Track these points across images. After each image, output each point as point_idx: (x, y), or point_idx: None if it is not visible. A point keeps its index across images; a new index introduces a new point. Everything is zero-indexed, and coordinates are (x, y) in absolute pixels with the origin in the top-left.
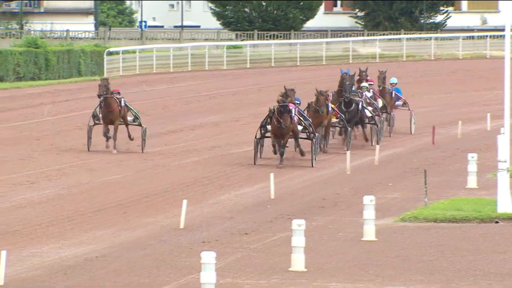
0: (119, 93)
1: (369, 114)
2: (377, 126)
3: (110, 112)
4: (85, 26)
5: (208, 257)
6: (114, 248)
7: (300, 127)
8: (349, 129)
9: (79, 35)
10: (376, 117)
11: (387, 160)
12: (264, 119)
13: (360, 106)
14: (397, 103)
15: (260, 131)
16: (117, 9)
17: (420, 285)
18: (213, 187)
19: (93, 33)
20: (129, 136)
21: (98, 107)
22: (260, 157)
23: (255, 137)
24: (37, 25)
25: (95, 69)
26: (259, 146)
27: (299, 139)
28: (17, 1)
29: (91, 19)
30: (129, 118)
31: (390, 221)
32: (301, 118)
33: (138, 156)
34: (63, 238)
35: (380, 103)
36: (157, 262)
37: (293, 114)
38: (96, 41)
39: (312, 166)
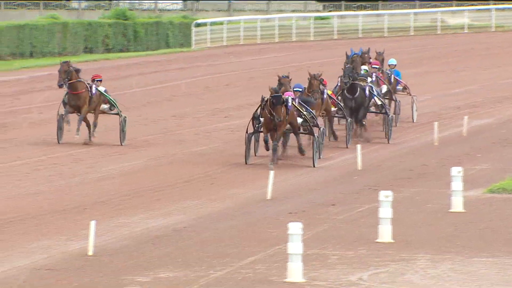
0: (100, 80)
1: (378, 102)
2: (388, 116)
3: (76, 96)
4: None
5: (295, 228)
6: (202, 218)
7: (299, 120)
8: (349, 119)
9: (167, 7)
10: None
11: (476, 131)
12: (256, 110)
13: (367, 92)
14: (397, 87)
15: (253, 124)
16: None
17: (508, 256)
18: (300, 158)
19: (181, 5)
20: (93, 128)
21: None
22: (255, 155)
23: (246, 132)
24: None
25: (183, 40)
26: (252, 142)
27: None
28: None
29: None
30: (105, 106)
31: (478, 193)
32: (301, 109)
33: (226, 128)
34: (150, 209)
35: (384, 88)
36: (244, 233)
37: (289, 105)
38: (184, 13)
39: (314, 166)
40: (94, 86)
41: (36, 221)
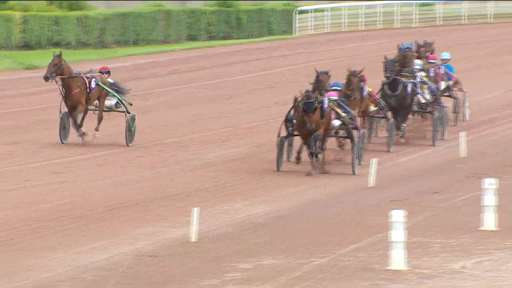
0: (108, 72)
1: (422, 100)
2: (433, 115)
3: (70, 98)
4: None
5: (398, 216)
6: (304, 206)
7: (337, 123)
8: (391, 120)
9: None
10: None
11: None
12: (288, 111)
13: (409, 89)
14: (449, 83)
15: (286, 127)
16: None
17: None
18: (400, 148)
19: None
20: (98, 122)
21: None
22: (288, 160)
23: (278, 135)
24: None
25: (285, 27)
26: (285, 146)
27: (340, 138)
28: None
29: None
30: (109, 102)
31: None
32: (339, 110)
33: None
34: (253, 196)
35: (442, 85)
36: (347, 220)
37: (325, 106)
38: (286, 0)
39: (354, 173)
40: (94, 80)
41: (139, 208)
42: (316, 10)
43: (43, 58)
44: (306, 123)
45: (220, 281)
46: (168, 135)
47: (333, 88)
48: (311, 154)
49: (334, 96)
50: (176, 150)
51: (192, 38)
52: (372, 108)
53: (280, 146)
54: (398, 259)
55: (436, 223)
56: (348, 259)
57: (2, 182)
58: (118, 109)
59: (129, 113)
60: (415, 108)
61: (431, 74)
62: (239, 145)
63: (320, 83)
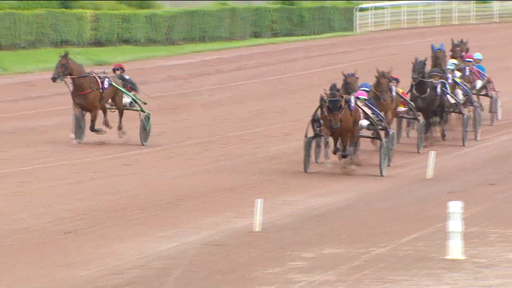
0: (122, 68)
1: (452, 101)
2: (463, 115)
3: (82, 96)
4: None
5: (455, 207)
6: (363, 197)
7: (365, 122)
8: (421, 120)
9: None
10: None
11: None
12: (315, 111)
13: (438, 90)
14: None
15: (313, 127)
16: None
17: None
18: (458, 142)
19: None
20: (106, 122)
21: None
22: (316, 161)
23: (305, 136)
24: None
25: (346, 25)
26: (313, 147)
27: (366, 138)
28: None
29: None
30: (124, 100)
31: None
32: (366, 111)
33: None
34: (314, 188)
35: (479, 84)
36: (405, 211)
37: (352, 105)
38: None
39: (382, 175)
40: (107, 80)
41: (205, 199)
42: (376, 8)
43: (113, 55)
44: (331, 121)
45: (283, 270)
46: (233, 129)
47: (362, 89)
48: (343, 156)
49: (363, 95)
50: (240, 143)
51: (256, 35)
52: (402, 108)
53: (307, 147)
54: (455, 249)
55: (493, 214)
56: (406, 248)
57: (75, 174)
58: (133, 108)
59: (143, 112)
60: (447, 109)
61: (467, 73)
62: (300, 139)
63: (348, 86)
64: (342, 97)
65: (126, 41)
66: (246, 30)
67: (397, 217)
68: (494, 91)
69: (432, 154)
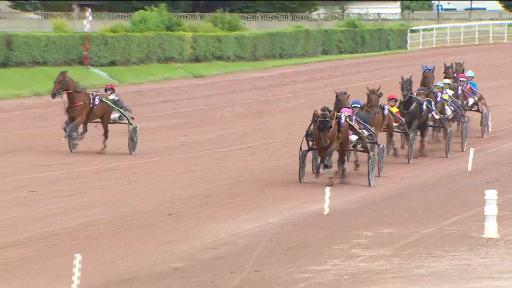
0: (113, 89)
1: (436, 117)
2: (446, 130)
3: (73, 108)
4: (392, 10)
5: (491, 194)
6: (414, 187)
7: (354, 137)
8: (411, 135)
9: (388, 17)
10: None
11: None
12: (309, 126)
13: (424, 107)
14: (474, 98)
15: (307, 141)
16: None
17: None
18: (498, 138)
19: (399, 15)
20: (104, 138)
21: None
22: (313, 172)
23: (300, 149)
24: (354, 10)
25: (400, 44)
26: (306, 159)
27: (356, 152)
28: None
29: (397, 4)
30: (113, 115)
31: None
32: (356, 126)
33: None
34: (375, 178)
35: (471, 101)
36: (448, 198)
37: (342, 122)
38: (401, 22)
39: (370, 185)
40: (98, 97)
41: (284, 188)
42: (425, 30)
43: (208, 69)
44: (321, 139)
45: (348, 246)
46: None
47: (353, 105)
48: (324, 166)
49: (347, 112)
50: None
51: (325, 52)
52: (394, 124)
53: (302, 159)
54: (491, 229)
55: None
56: (450, 229)
57: (176, 167)
58: (121, 121)
59: (131, 124)
60: (430, 123)
61: (459, 92)
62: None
63: (340, 103)
64: (332, 117)
65: (218, 58)
66: (317, 48)
67: (442, 203)
68: (485, 106)
69: (471, 150)
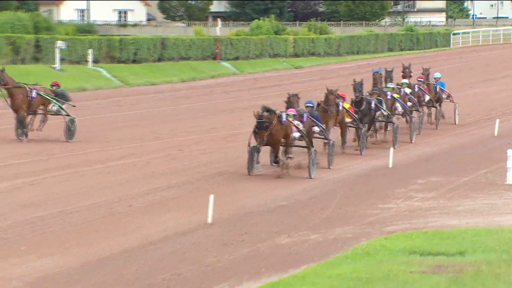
0: (58, 85)
1: (385, 113)
2: (393, 124)
3: (12, 102)
4: (439, 18)
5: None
6: (455, 148)
7: (297, 134)
8: (363, 129)
9: (436, 24)
10: (415, 112)
11: None
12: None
13: (373, 105)
14: (442, 96)
15: (255, 137)
16: (459, 8)
17: None
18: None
19: (444, 22)
20: (42, 123)
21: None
22: (271, 164)
23: (248, 145)
24: (412, 19)
25: (445, 43)
26: (254, 154)
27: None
28: (402, 2)
29: (443, 14)
30: (55, 108)
31: None
32: (296, 125)
33: (469, 97)
34: (426, 141)
35: (427, 98)
36: (477, 157)
37: (283, 120)
38: (446, 27)
39: (310, 177)
40: (35, 91)
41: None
42: (463, 33)
43: (305, 62)
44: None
45: (406, 190)
46: None
47: (306, 105)
48: (274, 162)
49: (292, 112)
50: None
51: (390, 50)
52: (348, 120)
53: (250, 154)
54: (511, 178)
55: None
56: (481, 178)
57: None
58: (62, 113)
59: (68, 115)
60: (380, 119)
61: (416, 90)
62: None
63: (290, 104)
64: (269, 118)
65: (312, 54)
66: (384, 47)
67: (475, 159)
68: (453, 102)
69: (497, 121)
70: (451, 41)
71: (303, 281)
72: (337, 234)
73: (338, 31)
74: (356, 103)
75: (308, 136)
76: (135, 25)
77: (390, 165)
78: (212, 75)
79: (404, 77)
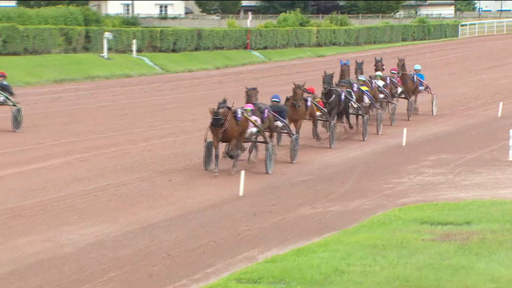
0: (4, 76)
1: (355, 105)
2: (363, 117)
3: None
4: (449, 11)
5: None
6: (460, 128)
7: (254, 130)
8: (332, 122)
9: (446, 16)
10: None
11: None
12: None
13: (343, 97)
14: (420, 88)
15: (212, 133)
16: (466, 2)
17: None
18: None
19: (453, 15)
20: None
21: None
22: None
23: (205, 140)
24: (423, 11)
25: (453, 34)
26: (212, 149)
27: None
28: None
29: (452, 8)
30: (1, 98)
31: None
32: (253, 121)
33: (477, 82)
34: (435, 123)
35: (399, 90)
36: (482, 136)
37: (238, 116)
38: (454, 19)
39: (267, 172)
40: None
41: (371, 129)
42: (470, 24)
43: (327, 51)
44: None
45: (418, 166)
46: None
47: (273, 99)
48: (230, 156)
49: (250, 107)
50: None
51: (404, 39)
52: (318, 113)
53: (207, 149)
54: None
55: None
56: (486, 155)
57: None
58: (8, 104)
59: (15, 106)
60: (351, 111)
61: (388, 82)
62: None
63: (248, 98)
64: (225, 114)
65: (333, 44)
66: (398, 37)
67: (481, 138)
68: (431, 94)
69: (500, 104)
70: (459, 31)
71: (325, 247)
72: (355, 206)
73: (357, 23)
74: (325, 94)
75: (270, 131)
76: (174, 18)
77: (404, 144)
78: (243, 62)
79: (376, 70)
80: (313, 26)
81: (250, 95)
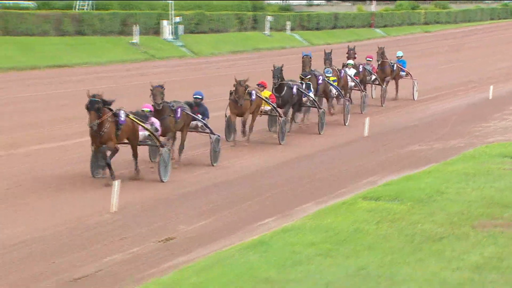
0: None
1: (310, 98)
2: (319, 110)
3: None
4: None
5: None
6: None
7: (146, 133)
8: (282, 118)
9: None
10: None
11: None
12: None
13: (294, 90)
14: (401, 73)
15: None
16: None
17: None
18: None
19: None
20: None
21: None
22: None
23: (91, 146)
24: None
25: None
26: (98, 156)
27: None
28: None
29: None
30: None
31: None
32: (140, 123)
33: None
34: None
35: (373, 77)
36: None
37: (121, 119)
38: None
39: (162, 181)
40: None
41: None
42: None
43: (433, 28)
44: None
45: (501, 114)
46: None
47: (195, 96)
48: (101, 167)
49: (148, 107)
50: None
51: (491, 19)
52: (267, 107)
53: (94, 156)
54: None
55: None
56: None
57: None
58: None
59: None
60: (308, 104)
61: (360, 69)
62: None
63: (153, 96)
64: (103, 105)
65: (437, 22)
66: (487, 17)
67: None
68: (412, 79)
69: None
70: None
71: (429, 174)
72: (452, 144)
73: (455, 6)
74: (276, 89)
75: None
76: (318, 5)
77: (490, 97)
78: (368, 37)
79: (348, 58)
80: (421, 9)
81: (155, 93)
